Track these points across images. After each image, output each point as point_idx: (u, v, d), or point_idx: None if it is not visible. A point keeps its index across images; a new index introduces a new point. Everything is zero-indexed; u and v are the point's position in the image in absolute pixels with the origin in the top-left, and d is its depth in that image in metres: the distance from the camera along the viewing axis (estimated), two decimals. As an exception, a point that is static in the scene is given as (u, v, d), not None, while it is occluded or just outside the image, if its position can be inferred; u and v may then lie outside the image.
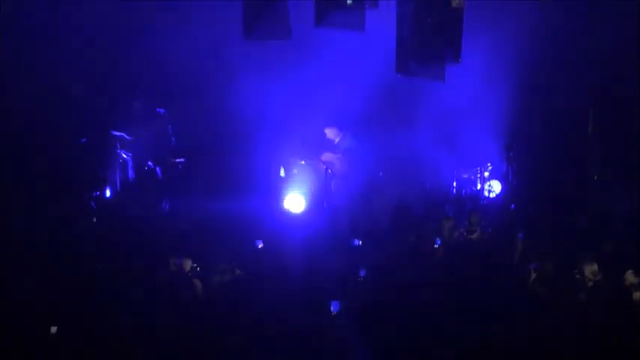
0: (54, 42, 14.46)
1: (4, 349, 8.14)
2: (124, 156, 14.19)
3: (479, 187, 15.20)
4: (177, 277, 10.04)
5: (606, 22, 14.38)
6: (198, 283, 9.99)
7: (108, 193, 13.70)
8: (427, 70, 12.35)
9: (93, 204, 13.13)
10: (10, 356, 8.12)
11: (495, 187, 15.15)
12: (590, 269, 10.03)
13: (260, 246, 11.52)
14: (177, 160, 14.45)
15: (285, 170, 14.56)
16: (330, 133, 14.71)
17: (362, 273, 10.11)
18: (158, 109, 14.54)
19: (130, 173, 14.27)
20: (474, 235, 12.20)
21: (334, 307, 9.11)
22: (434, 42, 12.03)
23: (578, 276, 10.00)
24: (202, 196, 13.66)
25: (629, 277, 9.82)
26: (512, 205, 14.18)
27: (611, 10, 14.21)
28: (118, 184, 14.13)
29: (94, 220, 12.77)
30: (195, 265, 10.40)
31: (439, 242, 11.68)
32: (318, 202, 13.78)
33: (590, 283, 9.96)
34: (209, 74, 14.79)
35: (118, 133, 14.27)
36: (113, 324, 8.52)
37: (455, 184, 15.25)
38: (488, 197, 15.07)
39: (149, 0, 14.44)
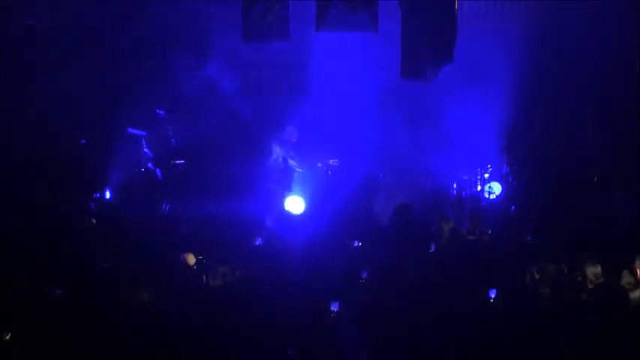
0: (53, 42, 14.48)
1: (5, 349, 8.15)
2: (148, 155, 14.19)
3: (479, 188, 15.20)
4: (183, 271, 10.08)
5: (607, 22, 14.40)
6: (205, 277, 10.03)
7: (108, 195, 13.68)
8: (425, 71, 12.37)
9: (92, 205, 13.11)
10: (11, 357, 8.12)
11: (495, 188, 15.15)
12: (594, 271, 10.02)
13: (259, 243, 11.51)
14: (178, 161, 14.44)
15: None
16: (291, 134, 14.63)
17: (363, 274, 10.11)
18: (158, 111, 14.52)
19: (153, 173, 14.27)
20: (474, 237, 12.20)
21: (334, 307, 9.10)
22: (430, 43, 12.05)
23: (579, 278, 10.00)
24: (202, 197, 13.66)
25: (626, 276, 9.83)
26: (512, 207, 14.18)
27: (612, 9, 14.23)
28: (119, 185, 14.13)
29: (94, 221, 12.75)
30: (200, 257, 10.43)
31: (438, 244, 11.70)
32: (318, 203, 13.77)
33: (591, 285, 9.96)
34: (210, 75, 14.80)
35: (136, 132, 14.22)
36: (115, 324, 8.52)
37: (455, 185, 15.25)
38: (488, 199, 15.08)
39: (150, 1, 14.48)
